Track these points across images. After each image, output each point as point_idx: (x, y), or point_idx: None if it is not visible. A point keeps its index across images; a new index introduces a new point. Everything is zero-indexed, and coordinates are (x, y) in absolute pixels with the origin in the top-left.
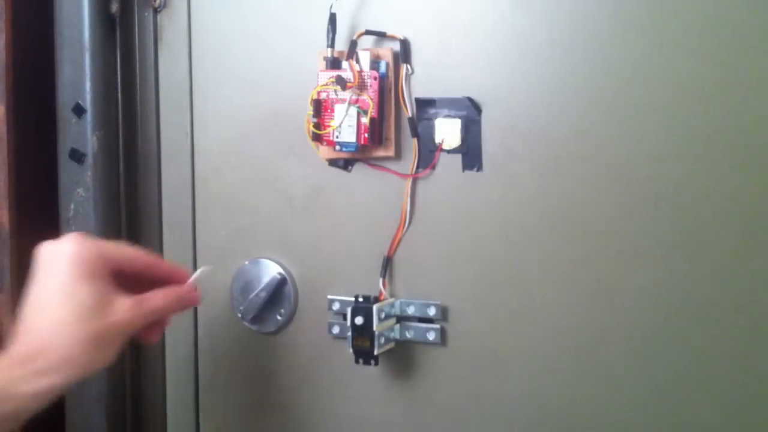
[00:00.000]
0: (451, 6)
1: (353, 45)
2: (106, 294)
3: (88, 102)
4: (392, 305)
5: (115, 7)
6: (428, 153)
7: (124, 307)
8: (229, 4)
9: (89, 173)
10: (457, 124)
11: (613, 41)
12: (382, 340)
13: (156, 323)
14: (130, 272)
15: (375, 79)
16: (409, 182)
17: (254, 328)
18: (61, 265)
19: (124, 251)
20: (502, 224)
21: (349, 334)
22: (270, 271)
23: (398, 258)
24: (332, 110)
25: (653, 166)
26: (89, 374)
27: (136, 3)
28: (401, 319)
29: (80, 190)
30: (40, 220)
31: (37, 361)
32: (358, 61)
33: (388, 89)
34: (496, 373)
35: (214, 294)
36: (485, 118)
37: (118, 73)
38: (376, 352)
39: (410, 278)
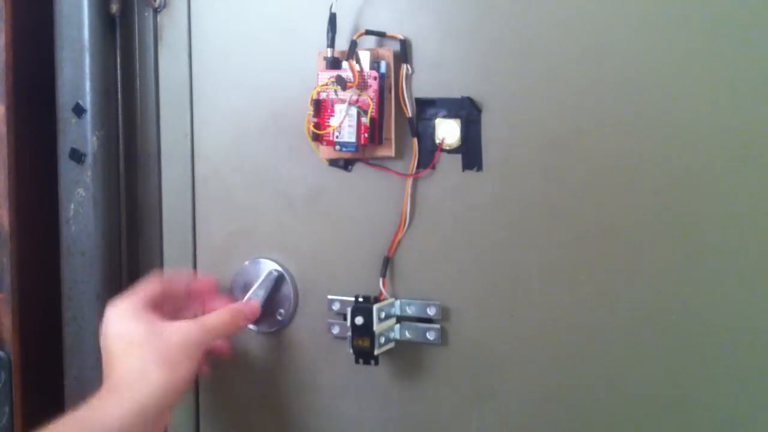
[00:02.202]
0: (451, 6)
1: (353, 45)
2: (160, 324)
3: (88, 102)
4: (392, 305)
5: (115, 7)
6: (428, 153)
7: (183, 327)
8: (229, 5)
9: (89, 173)
10: (457, 124)
11: (614, 40)
12: (382, 340)
13: (220, 347)
14: (174, 299)
15: (375, 79)
16: (409, 182)
17: (254, 327)
18: (116, 321)
19: (146, 287)
20: (502, 224)
21: (349, 334)
22: (268, 270)
23: (398, 258)
24: (332, 110)
25: (653, 166)
26: (175, 391)
27: (136, 3)
28: (401, 319)
29: (80, 190)
30: (40, 220)
31: (117, 393)
32: (358, 61)
33: (388, 89)
34: (496, 373)
35: None
36: (485, 118)
37: (118, 73)
38: (376, 352)
39: (410, 278)
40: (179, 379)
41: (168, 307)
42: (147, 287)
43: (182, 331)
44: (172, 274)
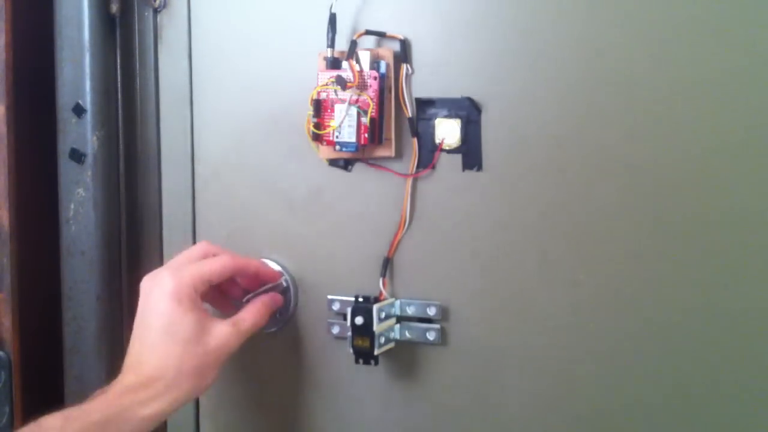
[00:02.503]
0: (451, 6)
1: (353, 45)
2: (204, 323)
3: (88, 102)
4: (392, 305)
5: (115, 7)
6: (428, 153)
7: (222, 333)
8: (229, 5)
9: (89, 173)
10: (457, 124)
11: (614, 40)
12: (382, 340)
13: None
14: (218, 281)
15: (375, 79)
16: (409, 182)
17: None
18: (162, 303)
19: (214, 268)
20: (503, 224)
21: (349, 334)
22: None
23: (398, 258)
24: (332, 110)
25: (653, 166)
26: (194, 397)
27: (136, 3)
28: (401, 319)
29: (80, 190)
30: (40, 220)
31: (147, 390)
32: (358, 61)
33: (388, 89)
34: (496, 373)
35: None
36: (485, 118)
37: (118, 73)
38: (376, 352)
39: (410, 278)
40: (205, 387)
41: (220, 287)
42: (216, 268)
43: (222, 338)
44: (240, 261)
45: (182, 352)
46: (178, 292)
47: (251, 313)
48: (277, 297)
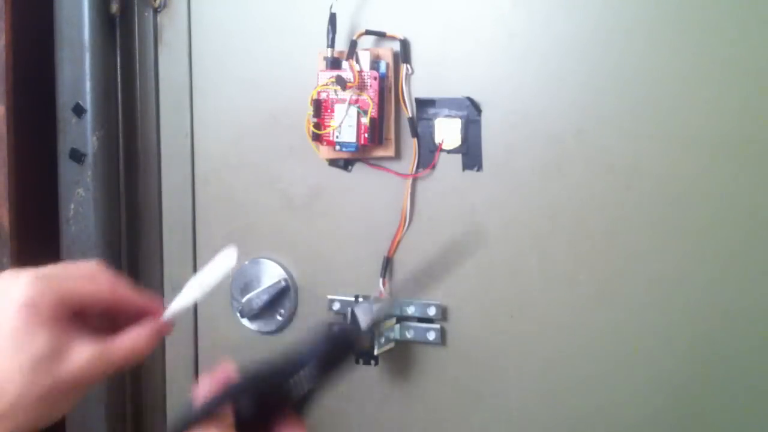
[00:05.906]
0: (451, 6)
1: (353, 45)
2: (64, 341)
3: (88, 102)
4: (392, 305)
5: (115, 7)
6: (428, 153)
7: (84, 356)
8: (229, 4)
9: (89, 173)
10: (457, 124)
11: (613, 41)
12: (382, 340)
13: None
14: (96, 310)
15: (375, 79)
16: (409, 182)
17: (254, 327)
18: (13, 310)
19: (86, 288)
20: (502, 224)
21: None
22: (271, 272)
23: (398, 258)
24: (332, 110)
25: (653, 166)
26: (41, 427)
27: (136, 3)
28: (401, 319)
29: (80, 190)
30: (40, 220)
31: None
32: (358, 61)
33: (388, 89)
34: (496, 373)
35: (213, 294)
36: (485, 118)
37: (118, 73)
38: (376, 352)
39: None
40: (52, 419)
41: (95, 311)
42: (89, 290)
43: (83, 363)
44: (122, 294)
45: (30, 371)
46: (34, 300)
47: (130, 340)
48: (166, 325)
